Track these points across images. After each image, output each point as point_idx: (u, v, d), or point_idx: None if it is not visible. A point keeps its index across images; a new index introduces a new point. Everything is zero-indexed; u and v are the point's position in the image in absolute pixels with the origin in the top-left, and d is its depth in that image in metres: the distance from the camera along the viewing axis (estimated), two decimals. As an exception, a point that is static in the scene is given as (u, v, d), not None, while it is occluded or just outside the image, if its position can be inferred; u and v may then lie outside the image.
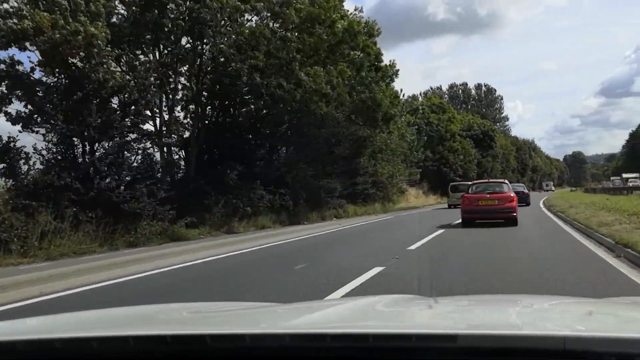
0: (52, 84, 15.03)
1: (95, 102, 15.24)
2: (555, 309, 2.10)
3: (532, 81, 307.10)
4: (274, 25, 20.61)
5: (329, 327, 1.61)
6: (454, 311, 2.04)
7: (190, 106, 20.20)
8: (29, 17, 12.95)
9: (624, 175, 67.96)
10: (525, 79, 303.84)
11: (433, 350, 1.29)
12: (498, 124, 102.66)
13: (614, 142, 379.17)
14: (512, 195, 17.43)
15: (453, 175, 55.02)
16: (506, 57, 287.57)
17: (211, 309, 2.35)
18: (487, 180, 22.72)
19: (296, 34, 19.64)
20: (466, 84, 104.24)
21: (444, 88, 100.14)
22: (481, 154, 64.84)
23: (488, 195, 17.20)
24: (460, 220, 18.23)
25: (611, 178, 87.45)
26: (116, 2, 16.19)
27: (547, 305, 2.20)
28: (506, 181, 19.81)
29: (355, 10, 27.21)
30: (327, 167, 29.09)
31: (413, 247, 11.72)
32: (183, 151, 21.82)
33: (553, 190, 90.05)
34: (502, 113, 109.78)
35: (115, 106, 16.47)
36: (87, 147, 15.62)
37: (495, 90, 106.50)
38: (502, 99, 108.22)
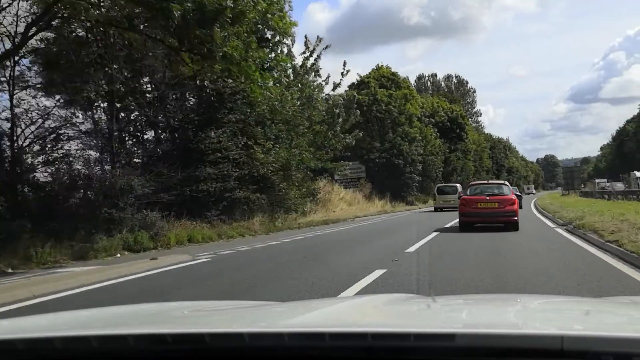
0: None
1: None
2: (553, 308, 2.15)
3: (503, 86, 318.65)
4: None
5: (327, 325, 1.61)
6: (452, 310, 2.06)
7: None
8: None
9: (638, 174, 53.13)
10: (497, 83, 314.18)
11: (431, 349, 1.27)
12: (470, 119, 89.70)
13: (584, 147, 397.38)
14: (513, 197, 15.92)
15: (411, 171, 40.44)
16: (479, 62, 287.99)
17: (211, 308, 2.34)
18: (486, 182, 20.35)
19: None
20: (435, 75, 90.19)
21: (412, 79, 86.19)
22: (449, 147, 50.60)
23: (488, 198, 15.91)
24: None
25: (596, 181, 74.56)
26: None
27: (545, 305, 2.23)
28: (506, 182, 19.10)
29: None
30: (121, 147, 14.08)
31: None
32: None
33: (534, 193, 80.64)
34: (475, 107, 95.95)
35: None
36: None
37: (467, 82, 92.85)
38: (474, 92, 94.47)
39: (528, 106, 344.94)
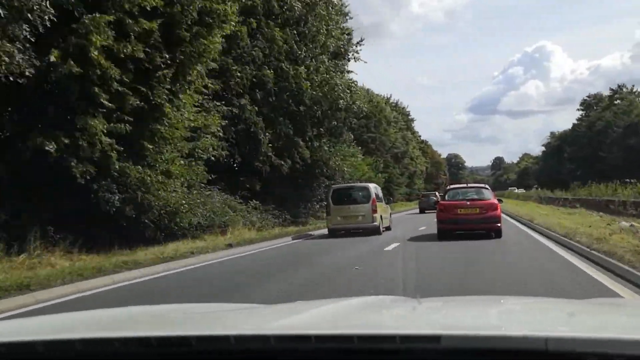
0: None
1: None
2: (537, 309, 2.15)
3: (409, 94, 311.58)
4: None
5: (313, 327, 1.60)
6: (437, 312, 2.03)
7: None
8: None
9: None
10: (403, 91, 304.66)
11: (417, 351, 1.28)
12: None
13: (485, 157, 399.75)
14: (495, 202, 15.18)
15: None
16: (387, 69, 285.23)
17: (197, 311, 2.32)
18: (465, 185, 19.37)
19: None
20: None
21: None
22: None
23: (468, 203, 15.17)
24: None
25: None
26: None
27: (530, 306, 2.25)
28: (487, 186, 17.20)
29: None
30: None
31: None
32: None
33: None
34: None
35: None
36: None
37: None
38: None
39: (432, 115, 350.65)
